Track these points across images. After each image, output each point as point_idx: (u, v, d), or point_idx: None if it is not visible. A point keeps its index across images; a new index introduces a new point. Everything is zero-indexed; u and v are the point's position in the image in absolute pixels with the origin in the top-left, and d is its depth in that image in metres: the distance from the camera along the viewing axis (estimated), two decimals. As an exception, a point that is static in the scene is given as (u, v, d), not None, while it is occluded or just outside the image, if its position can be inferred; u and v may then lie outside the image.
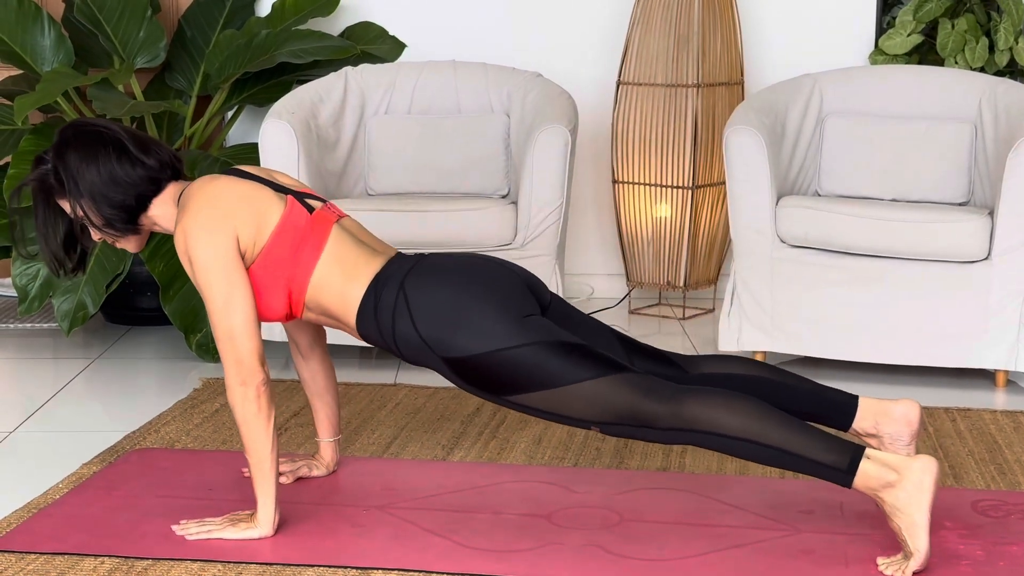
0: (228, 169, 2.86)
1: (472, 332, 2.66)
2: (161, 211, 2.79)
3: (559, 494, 3.01)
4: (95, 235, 2.82)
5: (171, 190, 2.80)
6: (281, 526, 2.77)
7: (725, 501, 2.96)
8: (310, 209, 2.80)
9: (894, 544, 2.69)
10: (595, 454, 3.33)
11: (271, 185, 2.81)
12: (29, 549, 2.69)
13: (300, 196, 2.82)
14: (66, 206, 2.78)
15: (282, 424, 3.55)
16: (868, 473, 2.56)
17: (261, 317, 2.77)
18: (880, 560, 2.61)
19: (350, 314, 2.76)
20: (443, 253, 2.86)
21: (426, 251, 4.00)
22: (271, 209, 2.75)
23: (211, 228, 2.68)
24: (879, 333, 3.96)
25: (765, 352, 4.12)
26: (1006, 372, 3.98)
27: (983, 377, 4.08)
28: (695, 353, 4.25)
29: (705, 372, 2.85)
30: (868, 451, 2.58)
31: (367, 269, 2.76)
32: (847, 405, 2.83)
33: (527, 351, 2.64)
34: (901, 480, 2.54)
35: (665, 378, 2.77)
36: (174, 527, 2.76)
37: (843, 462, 2.57)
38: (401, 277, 2.74)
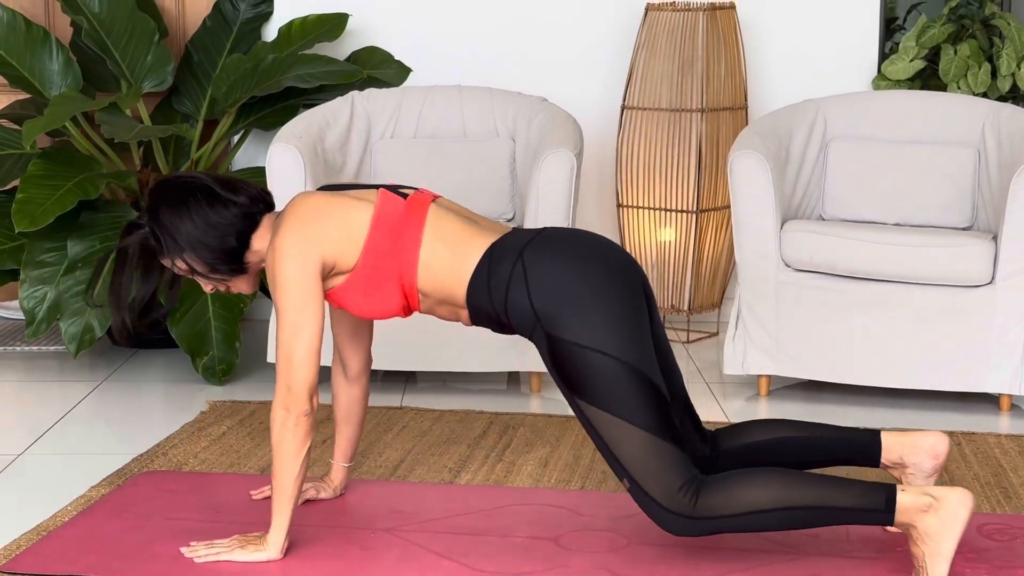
0: (323, 185, 2.87)
1: (585, 323, 2.62)
2: (261, 244, 2.80)
3: (566, 517, 3.01)
4: (206, 286, 2.84)
5: (267, 222, 2.81)
6: (289, 548, 2.77)
7: (731, 524, 2.97)
8: (404, 196, 2.80)
9: (901, 568, 2.70)
10: (601, 477, 3.34)
11: (362, 186, 2.83)
12: (38, 572, 2.69)
13: (393, 188, 2.82)
14: (168, 263, 2.79)
15: (289, 447, 3.56)
16: (905, 505, 2.57)
17: (379, 315, 2.79)
18: (887, 583, 2.62)
19: (460, 287, 2.73)
20: (567, 229, 2.81)
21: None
22: (359, 211, 2.75)
23: (296, 249, 2.69)
24: (883, 357, 3.97)
25: (769, 376, 4.13)
26: (1010, 396, 3.99)
27: (987, 401, 4.09)
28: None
29: (726, 448, 2.84)
30: (898, 485, 2.60)
31: (478, 242, 2.74)
32: (871, 445, 2.86)
33: (617, 368, 2.61)
34: (938, 507, 2.55)
35: (695, 458, 2.77)
36: (183, 549, 2.77)
37: (880, 502, 2.57)
38: (520, 248, 2.71)
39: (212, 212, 2.76)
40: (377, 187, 2.83)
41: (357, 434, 3.11)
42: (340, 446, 3.11)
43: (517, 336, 4.04)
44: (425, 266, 2.74)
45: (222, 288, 2.85)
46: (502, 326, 2.76)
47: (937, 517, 2.55)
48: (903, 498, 2.57)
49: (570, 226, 2.77)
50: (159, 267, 2.82)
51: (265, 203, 2.83)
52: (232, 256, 2.78)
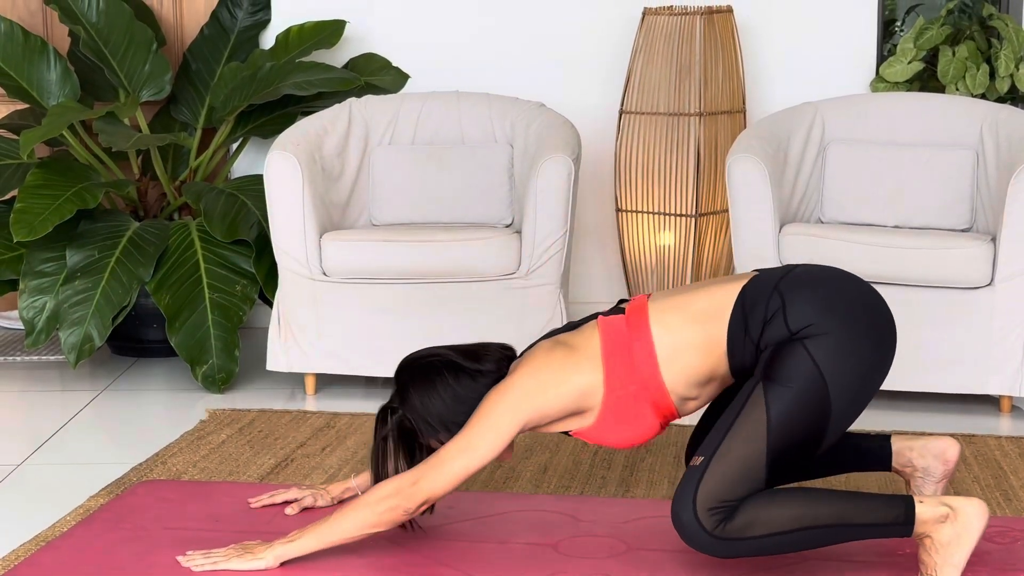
0: (548, 332, 2.83)
1: (831, 348, 2.56)
2: None
3: (565, 523, 3.01)
4: None
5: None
6: (288, 557, 2.77)
7: (731, 529, 2.96)
8: (622, 311, 2.74)
9: (902, 573, 2.69)
10: (601, 482, 3.33)
11: (585, 319, 2.79)
12: (37, 582, 2.70)
13: (610, 310, 2.77)
14: (426, 443, 2.77)
15: (288, 455, 3.56)
16: (924, 517, 2.56)
17: (637, 443, 2.72)
18: (890, 589, 2.61)
19: (717, 351, 2.65)
20: (824, 266, 2.74)
21: (437, 283, 4.01)
22: (588, 363, 2.68)
23: (513, 399, 2.65)
24: (883, 359, 3.96)
25: (770, 379, 4.12)
26: (1011, 398, 3.98)
27: (988, 403, 4.08)
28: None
29: None
30: (914, 495, 2.60)
31: (722, 303, 2.66)
32: (881, 450, 2.86)
33: (819, 403, 2.55)
34: (955, 516, 2.55)
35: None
36: (179, 558, 2.77)
37: (900, 515, 2.57)
38: (774, 282, 2.64)
39: (459, 387, 2.73)
40: (595, 316, 2.77)
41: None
42: (367, 480, 3.00)
43: (518, 340, 4.04)
44: (668, 363, 2.66)
45: None
46: (756, 364, 2.65)
47: (953, 527, 2.54)
48: (921, 510, 2.56)
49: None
50: (421, 447, 2.79)
51: (509, 360, 2.80)
52: None
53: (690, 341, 2.67)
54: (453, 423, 2.72)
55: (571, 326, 2.82)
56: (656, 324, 2.69)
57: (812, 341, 2.57)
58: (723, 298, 2.68)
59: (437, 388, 2.74)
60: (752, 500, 2.56)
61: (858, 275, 2.79)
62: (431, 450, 2.78)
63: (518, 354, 2.84)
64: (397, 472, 2.74)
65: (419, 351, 2.86)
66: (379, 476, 2.77)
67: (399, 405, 2.78)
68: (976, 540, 2.55)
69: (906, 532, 2.57)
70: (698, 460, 2.57)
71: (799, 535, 2.56)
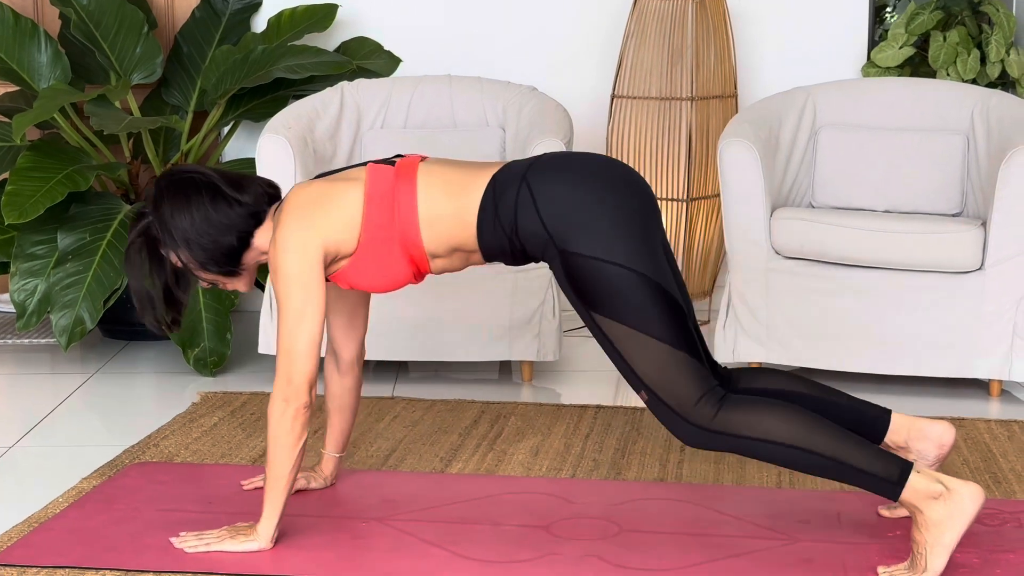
0: (319, 174, 2.86)
1: (598, 235, 2.61)
2: (263, 240, 2.79)
3: (557, 505, 3.02)
4: (203, 282, 2.82)
5: (270, 215, 2.80)
6: (281, 538, 2.78)
7: (723, 511, 2.98)
8: (392, 164, 2.79)
9: (893, 554, 2.71)
10: (593, 465, 3.34)
11: (354, 166, 2.84)
12: (29, 563, 2.69)
13: (383, 159, 2.81)
14: (170, 256, 2.78)
15: (280, 437, 3.56)
16: (916, 486, 2.56)
17: (390, 287, 2.78)
18: (881, 569, 2.62)
19: (469, 229, 2.72)
20: (566, 151, 2.79)
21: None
22: (351, 191, 2.74)
23: (296, 242, 2.68)
24: (874, 344, 3.98)
25: (760, 363, 4.14)
26: (1000, 381, 4.00)
27: (977, 387, 4.10)
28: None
29: (743, 388, 2.83)
30: (916, 465, 2.60)
31: (476, 180, 2.72)
32: (880, 420, 2.87)
33: (632, 278, 2.60)
34: (949, 496, 2.55)
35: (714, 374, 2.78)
36: (172, 539, 2.77)
37: (893, 474, 2.57)
38: (522, 173, 2.70)
39: (214, 211, 2.73)
40: (366, 163, 2.82)
41: (349, 425, 3.10)
42: (332, 436, 3.11)
43: (509, 325, 4.05)
44: (427, 224, 2.72)
45: (220, 285, 2.84)
46: (515, 255, 2.74)
47: (945, 507, 2.54)
48: (916, 479, 2.56)
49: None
50: (164, 257, 2.79)
51: (270, 197, 2.82)
52: (227, 257, 2.76)
53: (445, 209, 2.73)
54: (196, 244, 2.73)
55: (341, 169, 2.87)
56: (422, 184, 2.74)
57: (576, 242, 2.62)
58: (479, 179, 2.74)
59: (191, 205, 2.74)
60: (761, 404, 2.61)
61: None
62: (175, 265, 2.78)
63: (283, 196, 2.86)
64: (148, 277, 2.76)
65: (185, 165, 2.88)
66: (131, 280, 2.77)
67: (150, 212, 2.78)
68: (968, 523, 2.55)
69: (895, 493, 2.58)
70: (644, 396, 2.64)
71: (791, 452, 2.59)
